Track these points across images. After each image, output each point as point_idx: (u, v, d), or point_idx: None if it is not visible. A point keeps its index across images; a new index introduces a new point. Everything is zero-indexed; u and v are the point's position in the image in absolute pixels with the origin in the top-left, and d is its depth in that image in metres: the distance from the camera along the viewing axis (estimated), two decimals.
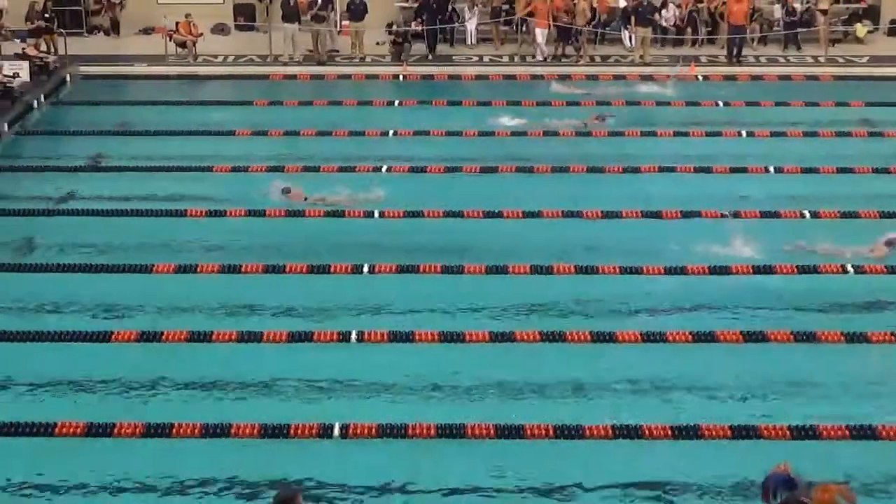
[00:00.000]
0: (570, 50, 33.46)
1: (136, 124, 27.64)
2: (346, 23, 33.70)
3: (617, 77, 31.71)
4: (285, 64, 32.38)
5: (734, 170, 24.14)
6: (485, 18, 34.74)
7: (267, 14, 34.72)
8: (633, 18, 33.19)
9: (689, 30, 34.67)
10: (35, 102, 28.82)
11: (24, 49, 30.64)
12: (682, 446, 14.49)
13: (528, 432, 14.59)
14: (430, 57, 32.67)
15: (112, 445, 14.46)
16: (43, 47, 31.41)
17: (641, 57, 32.79)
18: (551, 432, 14.59)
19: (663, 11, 34.31)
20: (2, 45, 29.94)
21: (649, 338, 16.99)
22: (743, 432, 14.58)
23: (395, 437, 14.57)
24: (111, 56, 32.86)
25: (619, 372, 16.19)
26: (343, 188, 22.61)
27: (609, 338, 17.01)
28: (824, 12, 34.17)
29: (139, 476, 13.82)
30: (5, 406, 15.38)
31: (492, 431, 14.61)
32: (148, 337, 17.06)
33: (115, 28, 35.24)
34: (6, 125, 26.93)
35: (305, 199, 22.28)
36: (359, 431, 14.63)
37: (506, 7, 34.62)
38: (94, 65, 31.91)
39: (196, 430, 14.61)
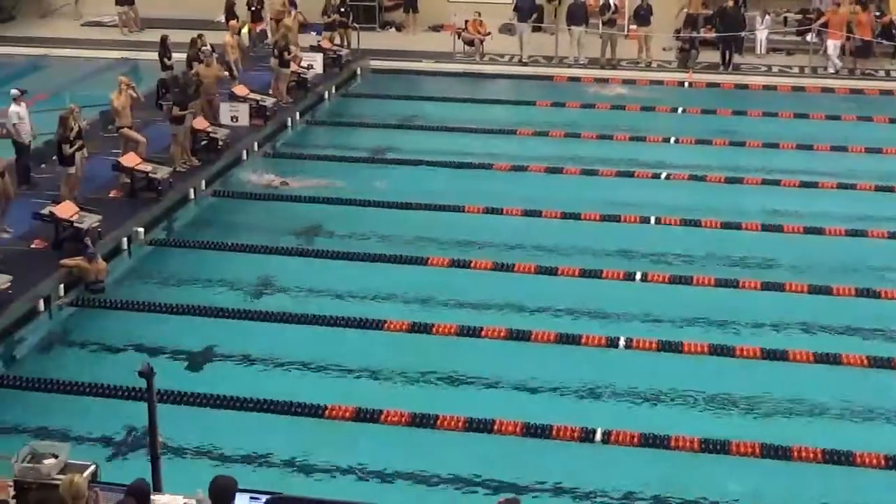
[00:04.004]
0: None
1: (420, 119, 28.21)
2: (633, 27, 33.48)
3: None
4: (570, 66, 32.41)
5: None
6: (776, 28, 33.89)
7: (555, 15, 34.82)
8: None
9: None
10: (326, 94, 29.75)
11: (319, 42, 31.66)
12: None
13: (794, 454, 14.19)
14: (720, 68, 32.04)
15: (379, 432, 14.81)
16: (337, 41, 32.37)
17: None
18: (819, 456, 14.15)
19: None
20: (299, 37, 31.01)
21: None
22: None
23: (657, 447, 14.40)
24: (400, 51, 33.62)
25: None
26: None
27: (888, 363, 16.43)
28: None
29: (400, 464, 14.11)
30: (281, 385, 15.96)
31: (756, 450, 14.26)
32: (417, 328, 17.40)
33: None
34: (298, 114, 27.91)
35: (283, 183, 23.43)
36: (620, 438, 14.53)
37: (798, 17, 33.68)
38: (384, 59, 32.71)
39: (458, 424, 14.80)
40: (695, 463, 14.21)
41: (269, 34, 31.94)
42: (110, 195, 21.58)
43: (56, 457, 11.00)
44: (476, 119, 27.87)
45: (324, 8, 32.64)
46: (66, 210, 19.41)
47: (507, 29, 35.10)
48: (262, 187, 23.48)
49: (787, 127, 27.21)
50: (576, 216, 21.66)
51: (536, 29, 34.32)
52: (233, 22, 30.56)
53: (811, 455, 14.17)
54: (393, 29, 36.51)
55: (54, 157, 21.14)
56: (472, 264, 19.62)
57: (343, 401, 15.26)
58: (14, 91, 21.47)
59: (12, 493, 10.82)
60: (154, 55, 27.58)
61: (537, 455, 14.35)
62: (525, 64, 32.51)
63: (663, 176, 24.03)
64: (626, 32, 33.66)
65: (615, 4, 33.05)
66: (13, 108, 21.19)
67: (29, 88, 22.99)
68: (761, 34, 33.48)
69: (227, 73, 26.89)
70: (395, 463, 14.11)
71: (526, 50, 32.60)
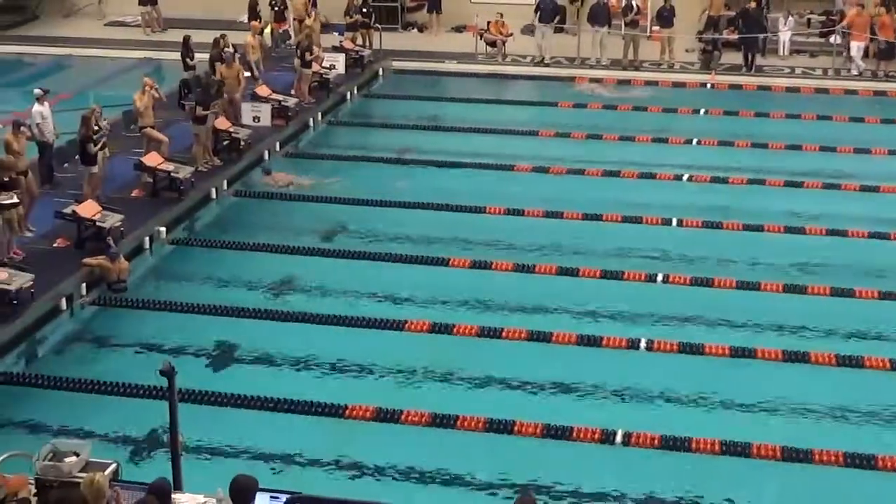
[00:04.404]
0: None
1: (442, 119, 28.19)
2: (655, 28, 33.40)
3: None
4: (592, 67, 32.36)
5: None
6: (799, 29, 33.75)
7: (577, 16, 34.77)
8: None
9: None
10: (348, 94, 29.76)
11: (341, 42, 31.68)
12: None
13: (817, 458, 14.12)
14: (743, 70, 31.90)
15: (399, 432, 14.80)
16: (359, 41, 32.38)
17: None
18: (841, 459, 14.08)
19: None
20: (322, 37, 31.05)
21: None
22: None
23: (678, 450, 14.35)
24: (423, 52, 33.61)
25: None
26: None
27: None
28: None
29: (420, 465, 14.11)
30: (301, 385, 15.97)
31: (777, 453, 14.21)
32: (440, 329, 17.38)
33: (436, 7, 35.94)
34: (320, 115, 27.93)
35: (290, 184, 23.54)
36: (641, 441, 14.49)
37: (821, 18, 33.54)
38: (406, 60, 32.72)
39: (479, 424, 14.80)
40: (715, 465, 14.17)
41: (293, 34, 31.98)
42: (132, 194, 21.65)
43: (77, 455, 11.04)
44: (498, 120, 27.84)
45: (346, 8, 32.67)
46: (88, 209, 19.48)
47: (529, 30, 35.06)
48: (272, 186, 23.57)
49: (810, 129, 27.09)
50: (597, 217, 21.60)
51: (559, 30, 34.27)
52: (255, 22, 30.63)
53: (833, 458, 14.09)
54: (415, 29, 36.53)
55: (77, 157, 21.21)
56: (494, 265, 19.60)
57: (363, 401, 15.26)
58: (37, 90, 21.55)
59: (33, 491, 10.85)
60: (177, 55, 27.65)
61: (557, 456, 14.32)
62: (546, 65, 32.46)
63: (685, 177, 23.96)
64: (648, 34, 33.58)
65: (638, 6, 32.95)
66: (36, 107, 21.26)
67: (52, 88, 23.11)
68: (784, 36, 33.33)
69: (248, 74, 26.94)
70: (414, 463, 14.11)
71: (546, 51, 32.53)
